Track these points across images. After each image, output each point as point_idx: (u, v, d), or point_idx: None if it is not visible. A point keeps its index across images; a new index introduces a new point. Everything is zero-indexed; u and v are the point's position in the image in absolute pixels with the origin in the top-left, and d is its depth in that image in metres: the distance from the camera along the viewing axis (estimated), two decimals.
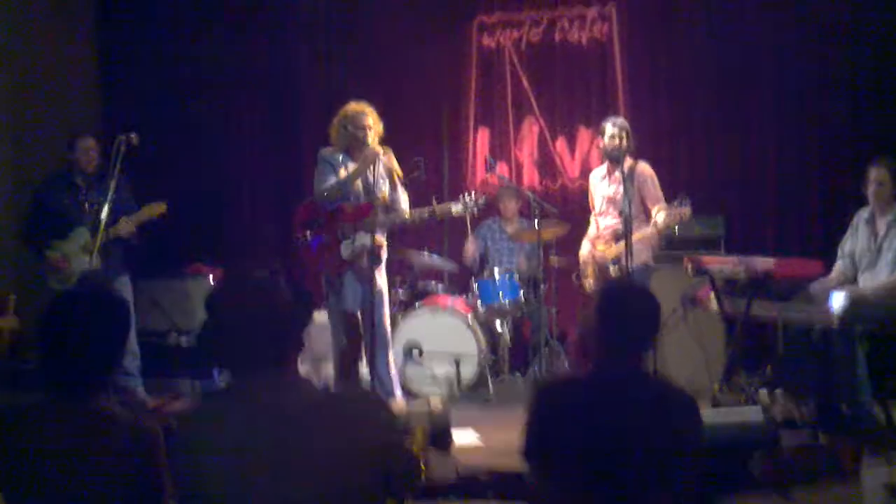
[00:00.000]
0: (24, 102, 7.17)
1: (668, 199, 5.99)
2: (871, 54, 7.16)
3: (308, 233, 5.65)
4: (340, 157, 5.63)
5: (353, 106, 5.65)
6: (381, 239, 5.63)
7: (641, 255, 5.97)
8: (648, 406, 2.66)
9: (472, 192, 5.84)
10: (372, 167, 5.49)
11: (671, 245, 6.52)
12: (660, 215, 5.85)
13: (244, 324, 2.21)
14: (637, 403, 2.66)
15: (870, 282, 5.45)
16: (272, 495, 2.08)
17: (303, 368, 6.93)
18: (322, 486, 2.11)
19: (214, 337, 2.26)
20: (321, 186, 5.57)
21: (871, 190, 5.46)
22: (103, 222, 5.82)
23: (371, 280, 5.52)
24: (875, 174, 5.43)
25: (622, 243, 5.83)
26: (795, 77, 7.39)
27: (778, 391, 5.90)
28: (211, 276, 7.08)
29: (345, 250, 5.56)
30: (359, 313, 5.62)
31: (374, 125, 5.61)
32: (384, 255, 5.73)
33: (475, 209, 5.75)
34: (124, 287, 6.17)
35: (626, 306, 2.77)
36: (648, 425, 2.62)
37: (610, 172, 6.21)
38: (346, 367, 5.71)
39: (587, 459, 2.61)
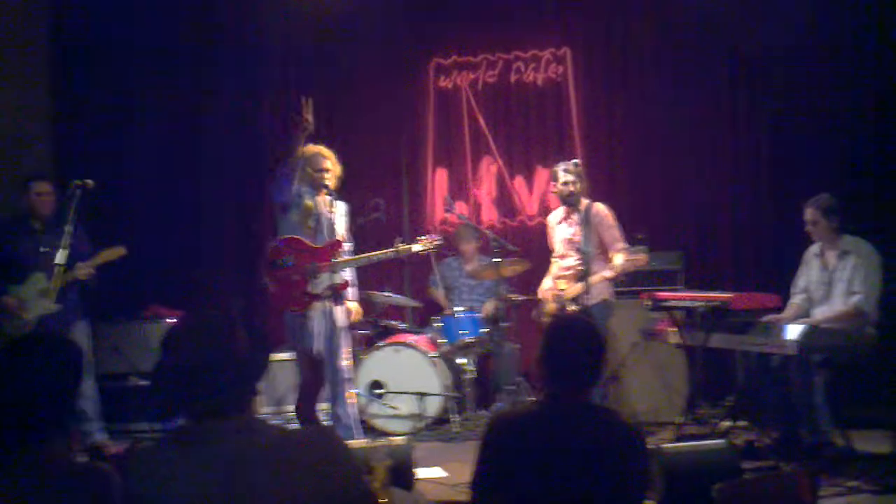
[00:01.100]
0: None
1: (626, 236, 6.05)
2: (824, 91, 7.33)
3: (275, 272, 5.63)
4: (305, 188, 5.66)
5: (311, 147, 5.69)
6: (345, 278, 5.64)
7: (602, 294, 6.02)
8: (594, 437, 2.72)
9: (430, 234, 5.98)
10: (331, 209, 5.54)
11: (631, 280, 6.58)
12: (617, 258, 5.91)
13: (197, 366, 2.18)
14: (583, 434, 2.72)
15: (825, 314, 5.55)
16: None
17: (264, 409, 6.93)
18: None
19: (167, 378, 2.23)
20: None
21: (808, 230, 5.61)
22: (59, 267, 5.76)
23: (334, 318, 5.53)
24: (806, 216, 5.61)
25: (582, 284, 5.88)
26: (750, 115, 7.55)
27: (739, 421, 5.96)
28: (168, 319, 7.02)
29: (312, 288, 5.55)
30: (322, 352, 5.60)
31: (332, 167, 5.66)
32: (348, 293, 5.74)
33: (434, 248, 5.83)
34: (82, 331, 6.10)
35: (570, 340, 2.84)
36: (594, 456, 2.68)
37: (567, 215, 6.27)
38: (308, 406, 5.69)
39: (537, 491, 2.64)
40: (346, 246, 5.81)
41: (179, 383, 2.19)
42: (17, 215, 6.17)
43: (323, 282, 5.54)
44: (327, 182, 5.60)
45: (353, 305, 5.82)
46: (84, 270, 5.97)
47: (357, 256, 5.75)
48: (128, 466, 2.22)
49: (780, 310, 5.73)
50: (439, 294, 7.38)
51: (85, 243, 6.13)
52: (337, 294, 5.57)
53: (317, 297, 5.55)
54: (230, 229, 8.13)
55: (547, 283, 6.35)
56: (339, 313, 5.61)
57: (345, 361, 5.63)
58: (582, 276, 5.93)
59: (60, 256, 5.83)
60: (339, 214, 5.70)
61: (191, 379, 2.18)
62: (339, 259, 5.56)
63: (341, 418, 5.54)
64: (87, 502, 2.29)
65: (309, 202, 5.61)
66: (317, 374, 5.62)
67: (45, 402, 2.39)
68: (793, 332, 5.14)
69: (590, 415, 2.80)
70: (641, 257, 5.84)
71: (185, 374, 2.18)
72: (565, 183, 6.13)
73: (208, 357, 2.19)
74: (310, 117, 5.42)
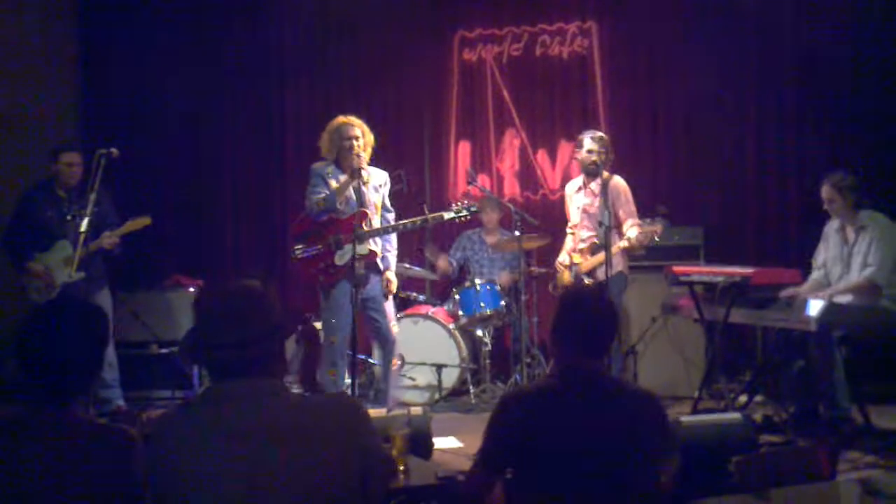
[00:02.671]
0: (2, 116, 7.14)
1: (648, 209, 6.03)
2: (850, 68, 7.25)
3: (302, 245, 5.68)
4: (331, 170, 5.70)
5: (341, 119, 5.71)
6: (374, 247, 5.65)
7: (617, 266, 6.02)
8: (610, 407, 2.71)
9: (463, 200, 5.95)
10: (363, 178, 5.55)
11: (651, 255, 6.57)
12: (632, 231, 5.90)
13: (230, 328, 2.21)
14: (598, 405, 2.70)
15: (839, 288, 5.53)
16: (249, 502, 2.09)
17: (286, 378, 6.98)
18: (299, 491, 2.10)
19: (200, 340, 2.26)
20: (311, 199, 5.63)
21: (826, 208, 5.60)
22: (83, 235, 5.82)
23: (364, 287, 5.57)
24: (823, 194, 5.58)
25: (597, 257, 5.87)
26: (774, 88, 7.47)
27: (757, 396, 5.95)
28: (191, 288, 7.07)
29: (338, 259, 5.59)
30: (351, 322, 5.59)
31: (363, 136, 5.65)
32: (387, 262, 5.76)
33: (467, 214, 5.78)
34: (105, 299, 6.16)
35: (581, 309, 2.84)
36: (611, 426, 2.67)
37: (585, 185, 6.25)
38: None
39: (554, 463, 2.64)
40: (389, 216, 5.81)
41: (210, 343, 2.21)
42: (42, 183, 6.21)
43: (348, 252, 5.53)
44: (357, 152, 5.58)
45: (390, 275, 5.84)
46: (109, 240, 6.02)
47: (386, 226, 5.75)
48: (151, 430, 2.26)
49: (799, 285, 5.71)
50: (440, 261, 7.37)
51: (112, 212, 6.18)
52: (369, 263, 5.59)
53: (343, 268, 5.57)
54: (253, 199, 8.17)
55: (563, 257, 6.36)
56: (374, 282, 5.65)
57: (389, 329, 5.70)
58: (597, 248, 5.93)
59: (84, 224, 5.89)
60: (373, 184, 5.69)
61: (221, 339, 2.20)
62: (364, 229, 5.56)
63: (388, 384, 5.70)
64: (110, 463, 2.33)
65: (333, 183, 5.62)
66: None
67: (71, 365, 2.42)
68: (813, 307, 5.12)
69: (605, 386, 2.78)
70: (657, 228, 5.82)
71: (216, 334, 2.21)
72: (590, 151, 6.11)
73: (240, 318, 2.21)
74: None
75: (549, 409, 2.70)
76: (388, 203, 5.85)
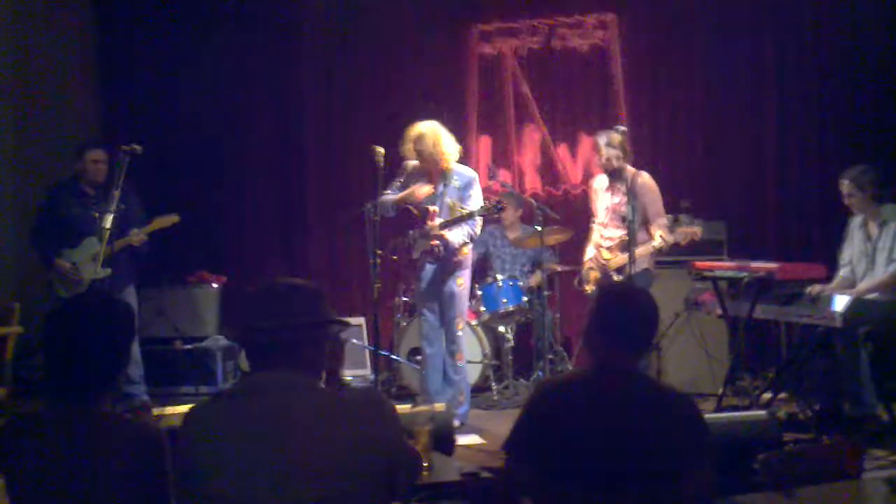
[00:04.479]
0: (26, 113, 7.18)
1: (670, 203, 5.98)
2: (871, 59, 7.20)
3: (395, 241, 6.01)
4: (412, 167, 5.82)
5: (412, 132, 5.70)
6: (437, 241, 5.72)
7: (643, 263, 5.97)
8: (646, 406, 2.68)
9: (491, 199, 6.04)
10: (445, 180, 5.70)
11: (674, 250, 6.52)
12: (657, 233, 5.82)
13: (275, 312, 2.25)
14: (635, 404, 2.68)
15: (867, 284, 5.48)
16: (276, 494, 2.10)
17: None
18: (326, 483, 2.12)
19: (245, 317, 2.30)
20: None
21: (846, 203, 5.55)
22: (108, 232, 5.84)
23: (439, 282, 5.75)
24: (842, 189, 5.54)
25: (626, 255, 5.82)
26: (796, 82, 7.42)
27: (782, 393, 5.92)
28: (214, 284, 7.10)
29: (414, 255, 5.85)
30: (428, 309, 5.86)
31: (423, 146, 5.64)
32: (459, 258, 5.80)
33: (494, 211, 5.80)
34: (131, 296, 6.18)
35: (624, 308, 2.80)
36: (646, 426, 2.64)
37: (612, 184, 6.19)
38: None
39: (584, 458, 2.62)
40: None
41: (254, 323, 2.25)
42: (67, 180, 6.24)
43: (420, 247, 5.78)
44: (423, 161, 5.67)
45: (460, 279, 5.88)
46: (138, 237, 6.05)
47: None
48: (179, 424, 2.27)
49: (825, 280, 5.66)
50: None
51: (139, 210, 6.20)
52: (434, 257, 5.72)
53: (415, 261, 5.84)
54: (274, 195, 8.19)
55: (591, 252, 6.31)
56: (446, 278, 5.77)
57: (452, 325, 5.78)
58: (627, 246, 5.89)
59: (108, 221, 5.90)
60: (452, 187, 5.74)
61: (266, 320, 2.24)
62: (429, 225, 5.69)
63: (450, 380, 5.77)
64: (136, 458, 2.35)
65: (404, 195, 5.75)
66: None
67: (96, 361, 2.44)
68: (839, 303, 5.09)
69: (639, 384, 2.76)
70: (696, 230, 5.74)
71: (263, 316, 2.25)
72: (608, 158, 6.04)
73: (289, 307, 2.26)
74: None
75: (582, 401, 2.69)
76: (467, 202, 5.80)
